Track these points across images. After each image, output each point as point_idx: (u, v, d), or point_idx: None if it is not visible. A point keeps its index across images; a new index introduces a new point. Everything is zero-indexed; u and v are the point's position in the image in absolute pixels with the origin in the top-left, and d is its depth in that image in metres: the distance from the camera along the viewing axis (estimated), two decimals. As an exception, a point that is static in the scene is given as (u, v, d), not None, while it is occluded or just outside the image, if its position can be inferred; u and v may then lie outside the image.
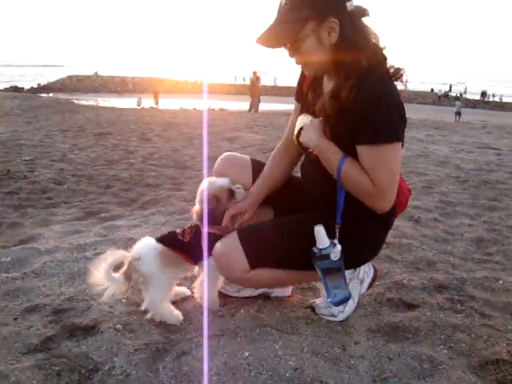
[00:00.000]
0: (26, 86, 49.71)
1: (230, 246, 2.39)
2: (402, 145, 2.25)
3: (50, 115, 16.73)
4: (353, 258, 2.48)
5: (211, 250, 2.43)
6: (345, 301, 2.47)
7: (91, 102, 28.15)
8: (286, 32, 2.19)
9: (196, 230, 2.52)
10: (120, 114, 18.42)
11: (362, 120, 2.14)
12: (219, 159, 2.79)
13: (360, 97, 2.13)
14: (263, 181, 2.67)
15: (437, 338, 2.41)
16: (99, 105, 26.70)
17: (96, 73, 68.65)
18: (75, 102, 25.76)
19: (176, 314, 2.52)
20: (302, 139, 2.38)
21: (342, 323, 2.51)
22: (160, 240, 2.50)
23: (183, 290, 2.77)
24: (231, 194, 2.52)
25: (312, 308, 2.61)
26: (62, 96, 34.93)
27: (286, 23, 2.19)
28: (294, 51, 2.26)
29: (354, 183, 2.25)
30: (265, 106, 26.46)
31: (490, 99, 63.95)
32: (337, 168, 2.23)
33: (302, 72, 2.52)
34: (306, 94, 2.53)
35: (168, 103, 29.79)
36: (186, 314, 2.56)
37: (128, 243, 3.64)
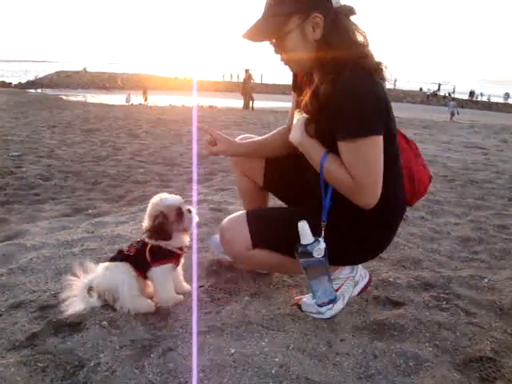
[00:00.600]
0: (14, 82, 49.29)
1: (237, 222, 2.50)
2: (394, 137, 2.34)
3: (37, 111, 16.65)
4: (351, 256, 2.57)
5: (157, 261, 2.50)
6: (329, 303, 2.48)
7: (80, 98, 27.98)
8: (271, 26, 2.22)
9: (142, 244, 2.55)
10: (108, 110, 18.37)
11: (339, 116, 2.15)
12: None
13: (336, 92, 2.14)
14: (252, 141, 2.85)
15: (422, 336, 2.42)
16: (88, 101, 26.53)
17: (85, 69, 68.20)
18: (64, 97, 25.65)
19: (148, 303, 2.55)
20: (289, 138, 2.44)
21: (328, 320, 2.51)
22: (111, 259, 2.57)
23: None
24: (179, 213, 2.49)
25: (298, 305, 2.61)
26: (50, 92, 34.70)
27: (271, 17, 2.21)
28: (279, 46, 2.29)
29: (334, 179, 2.27)
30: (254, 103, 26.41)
31: (478, 99, 64.35)
32: (319, 164, 2.28)
33: None
34: (300, 87, 2.55)
35: (157, 100, 29.67)
36: (173, 311, 2.56)
37: (115, 240, 3.64)
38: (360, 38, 2.22)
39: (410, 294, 2.90)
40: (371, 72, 2.17)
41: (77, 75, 60.61)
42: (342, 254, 2.46)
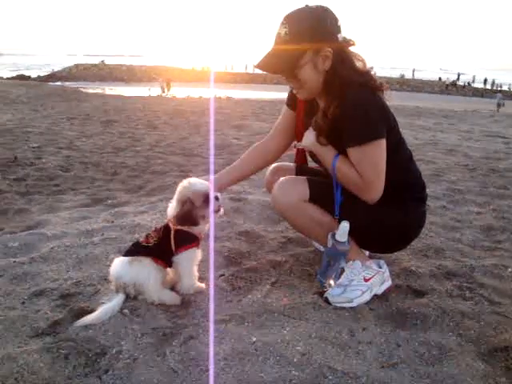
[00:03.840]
0: (33, 75, 49.67)
1: (297, 178, 2.75)
2: (399, 138, 2.66)
3: (56, 103, 16.77)
4: (398, 238, 2.81)
5: (182, 246, 2.54)
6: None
7: (98, 91, 28.13)
8: (287, 60, 2.50)
9: (163, 232, 2.56)
10: (127, 101, 18.43)
11: (346, 127, 2.48)
12: (268, 171, 3.14)
13: (342, 110, 2.47)
14: (231, 172, 3.05)
15: (445, 325, 2.40)
16: (106, 93, 26.67)
17: (103, 61, 68.56)
18: (82, 90, 25.78)
19: (174, 295, 2.56)
20: (302, 142, 2.75)
21: (350, 309, 2.49)
22: (128, 254, 2.54)
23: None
24: (206, 199, 2.54)
25: (320, 294, 2.60)
26: (68, 84, 34.95)
27: (286, 52, 2.48)
28: (292, 77, 2.58)
29: (345, 178, 2.57)
30: (270, 94, 26.34)
31: (499, 88, 63.42)
32: (331, 165, 2.58)
33: None
34: (300, 109, 2.90)
35: (175, 91, 29.73)
36: (194, 300, 2.56)
37: (135, 229, 3.65)
38: (360, 64, 2.54)
39: (432, 283, 2.87)
40: (373, 90, 2.50)
41: (95, 68, 60.92)
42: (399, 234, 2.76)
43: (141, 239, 2.59)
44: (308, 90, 2.62)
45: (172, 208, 2.59)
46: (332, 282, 2.62)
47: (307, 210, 2.66)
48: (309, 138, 2.68)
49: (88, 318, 2.29)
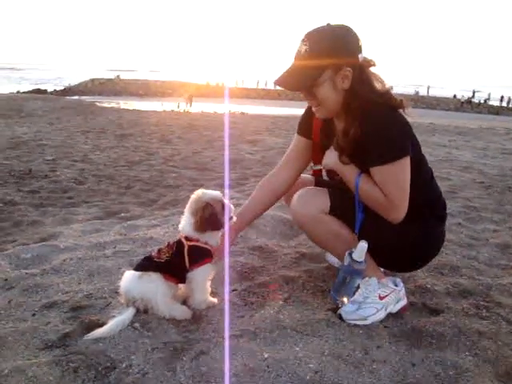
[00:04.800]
0: (50, 89, 50.24)
1: (318, 189, 2.74)
2: (421, 156, 2.65)
3: (72, 117, 16.91)
4: (417, 257, 2.78)
5: (197, 263, 2.53)
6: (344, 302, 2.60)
7: (113, 105, 28.33)
8: (306, 77, 2.49)
9: (177, 247, 2.54)
10: (141, 116, 18.54)
11: (369, 147, 2.45)
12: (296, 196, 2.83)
13: (363, 130, 2.45)
14: (244, 214, 2.94)
15: (462, 345, 2.35)
16: (121, 107, 26.86)
17: (118, 76, 69.24)
18: (97, 104, 26.00)
19: (184, 309, 2.53)
20: (324, 162, 2.74)
21: (364, 327, 2.46)
22: (140, 269, 2.51)
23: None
24: (223, 205, 2.56)
25: (334, 310, 2.57)
26: (84, 98, 35.32)
27: (305, 69, 2.48)
28: (310, 94, 2.56)
29: (369, 197, 2.54)
30: (284, 110, 26.40)
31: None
32: (354, 184, 2.55)
33: (309, 109, 2.83)
34: (316, 133, 2.87)
35: (183, 106, 29.88)
36: (205, 315, 2.54)
37: (147, 242, 3.64)
38: (379, 85, 2.52)
39: (448, 301, 2.82)
40: (393, 108, 2.49)
41: (110, 82, 61.47)
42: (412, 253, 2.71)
43: (153, 253, 2.56)
44: (326, 108, 2.59)
45: (185, 222, 2.57)
46: (345, 299, 2.59)
47: (327, 222, 2.63)
48: (331, 157, 2.66)
49: (99, 332, 2.28)
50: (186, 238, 2.53)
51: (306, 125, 2.92)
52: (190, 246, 2.51)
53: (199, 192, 2.56)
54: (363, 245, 2.50)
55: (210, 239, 2.55)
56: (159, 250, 2.56)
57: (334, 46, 2.43)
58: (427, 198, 2.71)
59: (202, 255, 2.52)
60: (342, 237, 2.65)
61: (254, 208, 3.00)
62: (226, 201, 2.59)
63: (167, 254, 2.51)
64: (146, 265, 2.52)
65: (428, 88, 70.05)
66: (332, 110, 2.60)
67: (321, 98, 2.53)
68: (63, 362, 2.07)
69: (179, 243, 2.54)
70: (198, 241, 2.52)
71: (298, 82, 2.53)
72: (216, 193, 2.58)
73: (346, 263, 2.56)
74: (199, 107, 28.51)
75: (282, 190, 3.00)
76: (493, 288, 3.02)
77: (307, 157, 2.97)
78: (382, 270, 2.77)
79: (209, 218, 2.48)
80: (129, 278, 2.50)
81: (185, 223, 2.57)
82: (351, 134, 2.50)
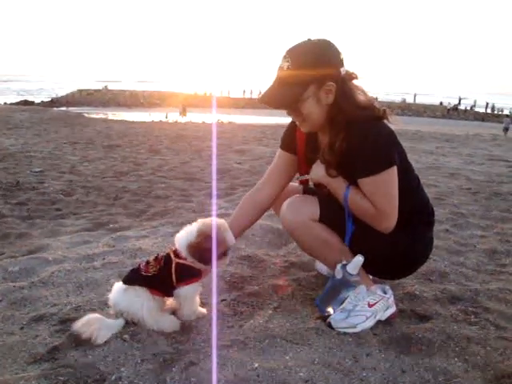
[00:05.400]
0: (37, 100, 50.07)
1: (309, 197, 2.73)
2: (407, 164, 2.67)
3: (59, 128, 16.86)
4: (406, 265, 2.80)
5: (183, 281, 2.48)
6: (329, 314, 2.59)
7: (101, 116, 28.28)
8: (290, 94, 2.49)
9: (165, 263, 2.49)
10: (130, 126, 18.54)
11: (356, 159, 2.47)
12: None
13: (349, 143, 2.48)
14: (232, 228, 2.82)
15: (451, 350, 2.36)
16: (109, 118, 26.81)
17: (106, 87, 69.14)
18: (85, 115, 25.94)
19: (173, 321, 2.51)
20: (311, 176, 2.76)
21: (354, 335, 2.46)
22: (127, 282, 2.49)
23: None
24: (225, 251, 2.52)
25: (323, 319, 2.57)
26: (71, 109, 35.20)
27: (288, 86, 2.48)
28: (295, 111, 2.57)
29: (359, 209, 2.56)
30: (271, 119, 26.47)
31: (499, 113, 63.58)
32: (343, 197, 2.56)
33: (292, 123, 2.85)
34: (301, 147, 2.87)
35: (177, 117, 29.93)
36: (195, 325, 2.53)
37: (136, 253, 3.62)
38: (362, 98, 2.53)
39: (436, 307, 2.84)
40: (377, 119, 2.50)
41: (98, 93, 61.37)
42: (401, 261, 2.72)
43: (141, 265, 2.53)
44: (311, 123, 2.60)
45: (186, 235, 2.51)
46: (331, 309, 2.60)
47: (316, 228, 2.64)
48: (318, 170, 2.67)
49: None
50: (175, 253, 2.49)
51: (289, 139, 2.93)
52: (177, 264, 2.47)
53: (220, 222, 2.53)
54: (359, 259, 2.52)
55: (197, 264, 2.49)
56: (147, 263, 2.52)
57: (316, 61, 2.44)
58: (415, 205, 2.73)
59: (189, 274, 2.48)
60: (332, 244, 2.66)
61: (239, 224, 2.95)
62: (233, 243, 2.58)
63: (154, 269, 2.47)
64: (132, 278, 2.50)
65: (415, 96, 70.58)
66: (317, 124, 2.61)
67: (305, 113, 2.54)
68: (52, 375, 2.05)
69: (168, 258, 2.50)
70: (186, 259, 2.47)
71: (282, 100, 2.53)
72: (230, 237, 2.53)
73: (338, 276, 2.57)
74: (187, 117, 28.51)
75: (266, 204, 3.00)
76: (481, 294, 3.04)
77: (291, 172, 2.97)
78: (370, 277, 2.78)
79: (204, 250, 2.43)
80: (116, 291, 2.48)
81: (184, 236, 2.51)
82: (336, 147, 2.52)
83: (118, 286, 2.50)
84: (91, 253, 3.72)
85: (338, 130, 2.52)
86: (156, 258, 2.54)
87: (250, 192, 3.06)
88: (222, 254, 2.50)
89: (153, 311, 2.44)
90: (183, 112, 32.61)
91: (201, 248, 2.43)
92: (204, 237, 2.44)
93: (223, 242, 2.48)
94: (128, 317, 2.43)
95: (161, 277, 2.45)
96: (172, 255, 2.50)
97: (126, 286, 2.46)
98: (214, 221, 2.50)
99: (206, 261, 2.45)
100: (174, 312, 2.58)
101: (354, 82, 2.56)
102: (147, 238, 4.22)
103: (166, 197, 6.82)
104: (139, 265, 2.56)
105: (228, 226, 2.56)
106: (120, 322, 2.42)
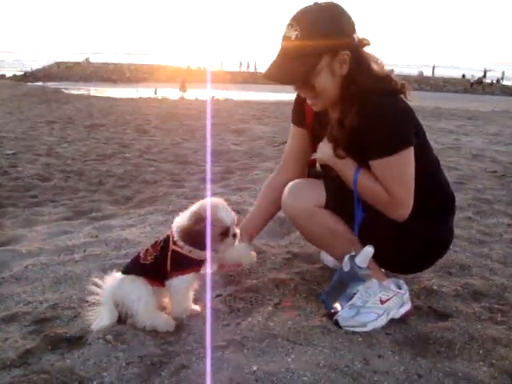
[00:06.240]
0: (8, 74, 49.80)
1: (314, 182, 2.74)
2: (423, 143, 2.62)
3: (34, 105, 16.82)
4: (423, 257, 2.80)
5: (178, 270, 2.49)
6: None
7: (82, 92, 28.18)
8: (301, 67, 2.44)
9: (162, 247, 2.51)
10: (114, 104, 18.47)
11: (368, 138, 2.45)
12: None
13: (361, 118, 2.44)
14: (252, 220, 3.07)
15: (474, 353, 2.35)
16: (91, 94, 26.72)
17: (87, 59, 68.70)
18: (64, 90, 25.84)
19: (167, 320, 2.51)
20: (317, 155, 2.74)
21: (364, 334, 2.46)
22: (125, 271, 2.53)
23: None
24: (225, 233, 2.51)
25: (330, 316, 2.57)
26: (49, 84, 35.06)
27: (299, 58, 2.44)
28: (306, 86, 2.53)
29: (369, 194, 2.55)
30: (273, 95, 26.39)
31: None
32: (352, 180, 2.54)
33: (299, 96, 2.83)
34: (310, 122, 2.87)
35: (167, 92, 29.82)
36: (187, 324, 2.53)
37: (122, 245, 3.62)
38: (377, 67, 2.52)
39: (457, 304, 2.83)
40: (394, 93, 2.49)
41: (78, 66, 60.98)
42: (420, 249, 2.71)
43: (141, 253, 2.55)
44: (325, 99, 2.57)
45: (181, 220, 2.52)
46: (338, 305, 2.59)
47: (322, 216, 2.64)
48: (324, 150, 2.65)
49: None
50: (174, 239, 2.51)
51: (301, 112, 2.90)
52: (173, 251, 2.48)
53: (216, 201, 2.53)
54: (369, 250, 2.50)
55: (195, 250, 2.50)
56: (146, 250, 2.55)
57: (329, 28, 2.40)
58: (433, 190, 2.72)
59: (184, 264, 2.48)
60: (339, 233, 2.66)
61: (264, 215, 3.07)
62: (236, 231, 2.57)
63: (152, 256, 2.50)
64: (130, 267, 2.54)
65: (433, 68, 70.03)
66: (330, 100, 2.58)
67: (319, 88, 2.50)
68: (24, 383, 2.04)
69: (166, 243, 2.52)
70: (182, 248, 2.48)
71: (292, 75, 2.48)
72: (227, 214, 2.52)
73: (346, 268, 2.55)
74: (179, 93, 28.44)
75: None
76: (508, 289, 3.04)
77: (311, 147, 2.94)
78: (383, 270, 2.77)
79: (196, 234, 2.43)
80: (111, 280, 2.50)
81: (179, 222, 2.52)
82: (347, 123, 2.49)
83: (114, 275, 2.53)
84: (71, 244, 3.72)
85: (350, 104, 2.49)
86: (155, 243, 2.57)
87: (271, 179, 3.10)
88: (221, 236, 2.49)
89: (149, 306, 2.45)
90: (183, 87, 32.49)
91: (192, 231, 2.43)
92: (195, 218, 2.44)
93: (218, 222, 2.46)
94: (123, 309, 2.45)
95: (158, 263, 2.47)
96: (171, 240, 2.51)
97: (123, 275, 2.49)
98: (208, 201, 2.50)
99: (200, 245, 2.45)
100: (163, 309, 2.59)
101: (367, 49, 2.53)
102: (134, 227, 4.22)
103: (155, 182, 6.82)
104: (139, 253, 2.58)
105: (226, 205, 2.56)
106: (114, 312, 2.45)
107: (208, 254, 2.48)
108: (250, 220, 3.05)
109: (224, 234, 2.50)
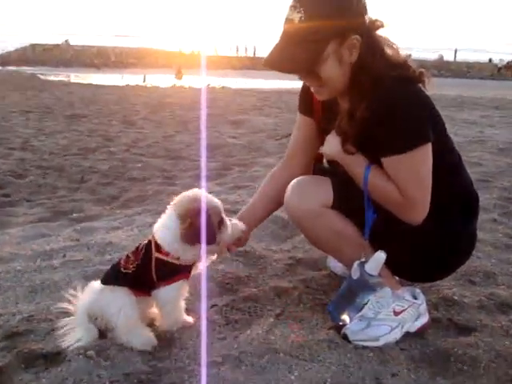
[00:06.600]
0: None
1: (320, 179, 2.73)
2: (443, 137, 2.61)
3: (7, 93, 16.79)
4: (442, 264, 2.79)
5: (164, 279, 2.48)
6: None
7: (61, 78, 28.16)
8: (305, 54, 2.41)
9: (144, 254, 2.50)
10: (98, 92, 18.47)
11: (381, 132, 2.43)
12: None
13: (375, 112, 2.41)
14: (252, 211, 3.03)
15: (503, 373, 2.34)
16: (71, 81, 26.71)
17: (67, 41, 68.55)
18: (41, 76, 25.84)
19: (148, 338, 2.48)
20: (324, 150, 2.73)
21: (376, 350, 2.45)
22: (105, 281, 2.52)
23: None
24: (222, 221, 2.54)
25: (337, 329, 2.57)
26: (23, 69, 35.03)
27: (303, 43, 2.40)
28: (311, 75, 2.51)
29: (381, 194, 2.54)
30: (274, 83, 26.39)
31: None
32: (362, 179, 2.53)
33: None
34: (318, 111, 2.88)
35: (157, 79, 29.81)
36: (178, 337, 2.53)
37: (106, 249, 3.63)
38: (392, 53, 2.50)
39: (481, 316, 2.82)
40: (411, 81, 2.47)
41: (57, 49, 60.82)
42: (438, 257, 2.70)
43: (122, 260, 2.54)
44: (331, 88, 2.56)
45: (164, 224, 2.52)
46: (347, 317, 2.59)
47: (329, 217, 2.64)
48: (332, 144, 2.63)
49: None
50: (156, 245, 2.49)
51: (306, 101, 2.90)
52: (157, 259, 2.47)
53: (197, 191, 2.53)
54: (381, 255, 2.50)
55: (185, 254, 2.49)
56: (127, 257, 2.54)
57: (337, 9, 2.38)
58: (454, 189, 2.71)
59: (171, 272, 2.48)
60: (348, 237, 2.66)
61: (256, 212, 3.03)
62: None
63: (134, 264, 2.49)
64: (110, 276, 2.53)
65: (455, 51, 69.69)
66: (337, 89, 2.57)
67: (324, 77, 2.48)
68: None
69: (147, 249, 2.51)
70: (167, 255, 2.46)
71: (296, 62, 2.46)
72: (217, 201, 2.55)
73: (355, 276, 2.55)
74: (171, 80, 28.44)
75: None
76: (539, 300, 3.03)
77: (318, 139, 2.92)
78: (396, 278, 2.78)
79: (197, 228, 2.41)
80: (89, 290, 2.51)
81: (163, 225, 2.53)
82: (358, 115, 2.46)
83: (93, 284, 2.54)
84: (49, 248, 3.73)
85: (360, 95, 2.46)
86: (136, 250, 2.56)
87: (274, 170, 3.11)
88: (219, 224, 2.52)
89: (129, 319, 2.43)
90: (178, 74, 32.51)
91: (194, 228, 2.41)
92: (191, 214, 2.43)
93: (215, 209, 2.50)
94: (102, 323, 2.45)
95: (140, 272, 2.47)
96: (153, 247, 2.49)
97: (102, 285, 2.49)
98: (188, 194, 2.53)
99: (211, 239, 2.46)
100: (152, 322, 2.60)
101: (380, 32, 2.51)
102: (120, 229, 4.23)
103: (144, 179, 6.84)
104: (120, 260, 2.57)
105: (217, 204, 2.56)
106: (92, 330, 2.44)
107: (203, 251, 2.49)
108: (250, 210, 3.02)
109: (220, 221, 2.52)
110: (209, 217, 2.43)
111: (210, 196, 2.55)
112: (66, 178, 6.90)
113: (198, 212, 2.42)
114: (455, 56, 66.19)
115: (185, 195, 2.52)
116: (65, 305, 2.54)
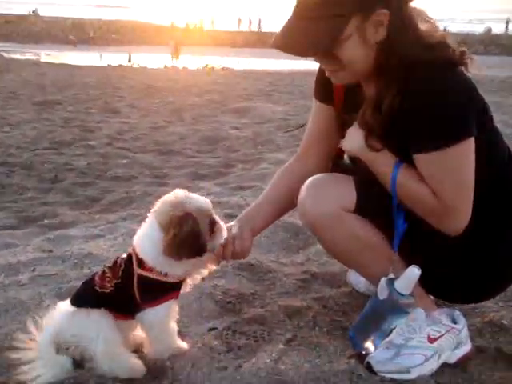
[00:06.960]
0: None
1: (342, 177, 2.70)
2: (489, 128, 2.53)
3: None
4: (486, 283, 2.72)
5: (150, 301, 2.44)
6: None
7: (29, 56, 28.25)
8: (322, 33, 2.34)
9: (124, 271, 2.46)
10: (74, 73, 18.53)
11: (413, 125, 2.37)
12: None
13: (406, 101, 2.36)
14: (262, 209, 2.99)
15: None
16: (42, 60, 26.79)
17: (35, 12, 68.41)
18: (4, 55, 25.91)
19: (134, 365, 2.46)
20: (344, 145, 2.69)
21: (406, 383, 2.44)
22: (77, 303, 2.47)
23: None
24: (212, 223, 2.50)
25: (360, 358, 2.57)
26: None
27: (318, 20, 2.35)
28: (329, 57, 2.45)
29: (412, 198, 2.49)
30: (285, 63, 26.40)
31: None
32: (390, 179, 2.47)
33: None
34: (339, 98, 2.83)
35: (145, 59, 29.89)
36: (170, 367, 2.53)
37: (84, 262, 3.62)
38: (427, 28, 2.42)
39: (535, 345, 2.81)
40: (450, 64, 2.38)
41: (24, 21, 60.81)
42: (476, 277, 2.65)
43: (96, 277, 2.50)
44: (352, 72, 2.50)
45: (145, 234, 2.50)
46: (371, 344, 2.57)
47: (350, 224, 2.60)
48: (354, 139, 2.58)
49: None
50: (138, 260, 2.46)
51: (325, 85, 2.84)
52: (139, 277, 2.43)
53: (179, 193, 2.48)
54: (414, 271, 2.45)
55: (174, 269, 2.46)
56: (103, 273, 2.49)
57: None
58: (502, 195, 2.64)
59: (158, 291, 2.45)
60: (374, 247, 2.63)
61: (266, 210, 2.99)
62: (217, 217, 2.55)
63: (112, 282, 2.45)
64: (83, 296, 2.49)
65: (507, 23, 68.73)
66: (358, 73, 2.53)
67: (345, 59, 2.40)
68: None
69: (128, 264, 2.48)
70: (152, 271, 2.43)
71: (311, 43, 2.37)
72: (204, 200, 2.50)
73: (382, 295, 2.53)
74: (161, 60, 28.45)
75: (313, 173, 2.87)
76: None
77: (339, 131, 2.88)
78: (431, 297, 2.78)
79: (187, 238, 2.37)
80: (59, 315, 2.46)
81: (145, 236, 2.51)
82: (385, 105, 2.40)
83: (62, 306, 2.48)
84: (15, 261, 3.73)
85: (388, 81, 2.40)
86: (114, 265, 2.51)
87: (289, 163, 3.10)
88: (210, 227, 2.48)
89: (111, 345, 2.40)
90: (176, 53, 32.56)
91: (181, 241, 2.37)
92: (177, 221, 2.38)
93: (203, 212, 2.45)
94: (76, 352, 2.41)
95: (120, 292, 2.43)
96: (134, 262, 2.46)
97: (75, 308, 2.45)
98: (169, 197, 2.49)
99: (198, 250, 2.43)
100: (139, 348, 2.59)
101: (413, 5, 2.45)
102: (101, 238, 4.24)
103: (130, 178, 6.85)
104: (94, 276, 2.53)
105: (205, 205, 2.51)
106: (65, 361, 2.41)
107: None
108: (254, 211, 2.98)
109: (212, 223, 2.48)
110: (196, 224, 2.39)
111: (195, 196, 2.49)
112: (35, 176, 6.91)
113: (182, 220, 2.37)
114: (506, 28, 65.21)
115: (166, 200, 2.46)
116: (34, 330, 2.46)
